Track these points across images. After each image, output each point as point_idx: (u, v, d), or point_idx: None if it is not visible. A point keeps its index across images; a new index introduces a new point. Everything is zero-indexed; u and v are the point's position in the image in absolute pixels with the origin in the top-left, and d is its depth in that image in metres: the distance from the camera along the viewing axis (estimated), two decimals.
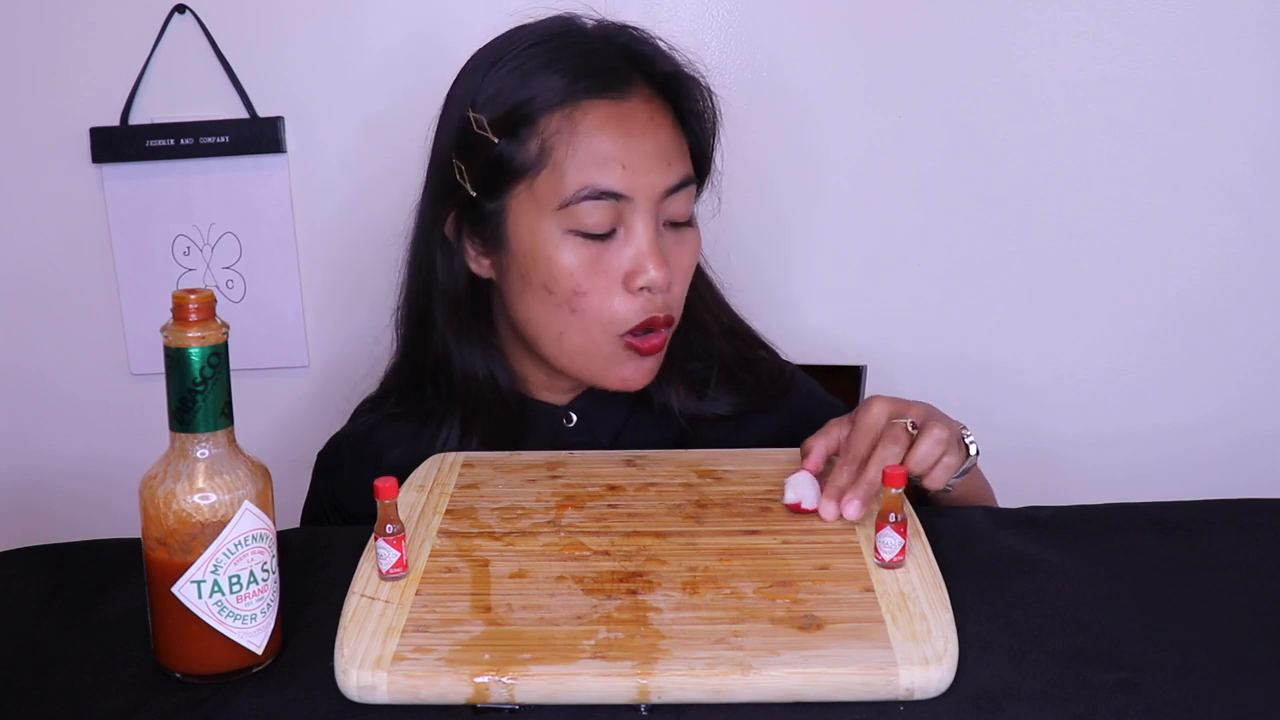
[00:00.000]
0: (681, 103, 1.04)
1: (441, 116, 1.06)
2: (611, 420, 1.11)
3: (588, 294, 0.99)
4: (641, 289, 0.99)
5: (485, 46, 1.05)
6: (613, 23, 1.06)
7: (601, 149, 0.97)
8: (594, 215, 0.98)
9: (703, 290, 1.12)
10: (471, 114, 1.00)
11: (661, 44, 1.05)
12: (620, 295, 0.99)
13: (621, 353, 1.01)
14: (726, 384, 1.12)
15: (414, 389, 1.11)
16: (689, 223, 1.04)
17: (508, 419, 1.07)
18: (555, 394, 1.11)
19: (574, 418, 1.10)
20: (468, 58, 1.08)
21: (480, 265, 1.06)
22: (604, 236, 0.99)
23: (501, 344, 1.09)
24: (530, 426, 1.09)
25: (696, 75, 1.05)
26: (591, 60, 1.00)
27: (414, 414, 1.09)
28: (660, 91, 1.02)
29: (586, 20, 1.05)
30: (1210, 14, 1.41)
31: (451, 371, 1.08)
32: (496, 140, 0.99)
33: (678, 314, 1.04)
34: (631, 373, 1.03)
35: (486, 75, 1.01)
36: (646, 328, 1.01)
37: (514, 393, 1.09)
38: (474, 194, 1.01)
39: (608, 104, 0.99)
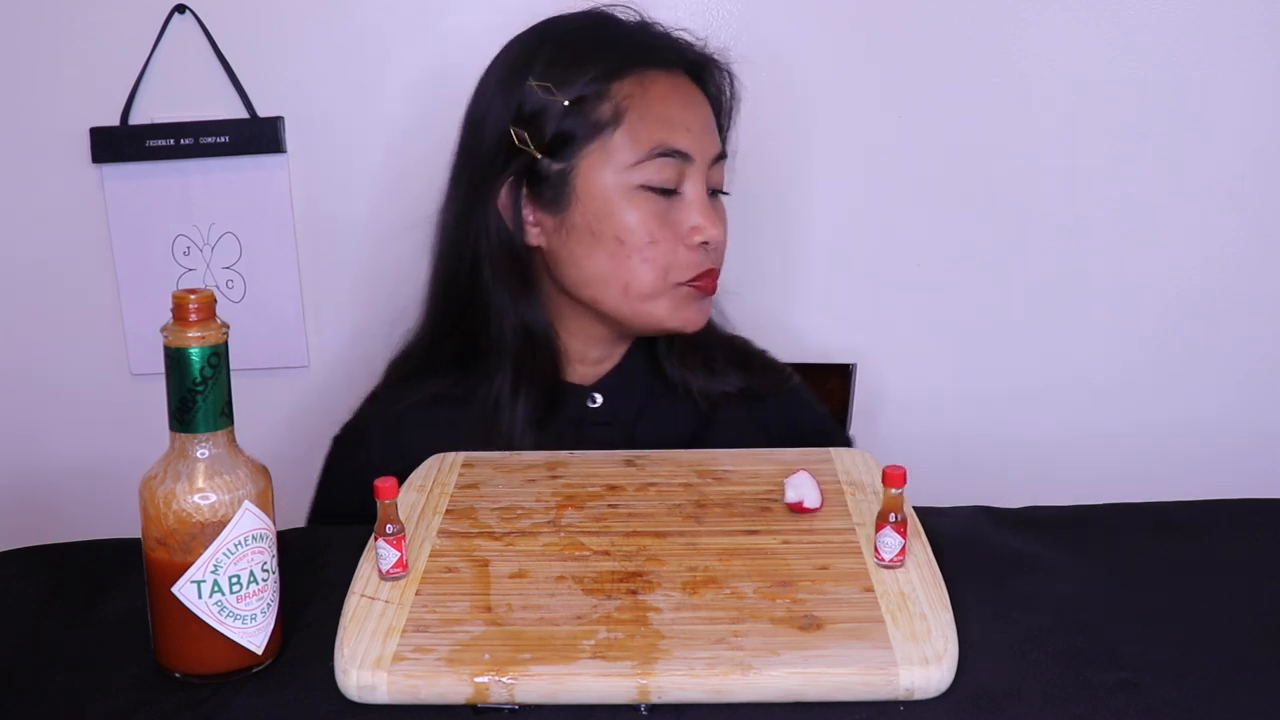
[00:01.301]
0: (708, 87, 1.14)
1: (488, 94, 1.12)
2: (634, 400, 1.16)
3: (659, 244, 1.07)
4: (701, 243, 1.08)
5: (527, 31, 1.13)
6: (638, 14, 1.15)
7: (670, 113, 1.08)
8: (664, 171, 1.07)
9: None
10: (536, 83, 1.07)
11: (688, 35, 1.15)
12: (682, 249, 1.08)
13: (685, 296, 1.10)
14: (734, 365, 1.19)
15: (449, 368, 1.14)
16: (720, 189, 1.14)
17: (552, 383, 1.13)
18: (584, 369, 1.16)
19: (599, 398, 1.15)
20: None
21: (532, 232, 1.11)
22: (669, 193, 1.08)
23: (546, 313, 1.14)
24: (558, 404, 1.13)
25: (722, 61, 1.16)
26: (646, 39, 1.12)
27: (447, 396, 1.13)
28: (691, 74, 1.12)
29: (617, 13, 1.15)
30: (1210, 14, 1.41)
31: (504, 333, 1.11)
32: (567, 104, 1.07)
33: (720, 269, 1.12)
34: (694, 314, 1.11)
35: (540, 50, 1.10)
36: (710, 274, 1.10)
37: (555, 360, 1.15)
38: (539, 156, 1.08)
39: (668, 75, 1.10)
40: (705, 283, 1.10)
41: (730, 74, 1.16)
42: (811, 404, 1.25)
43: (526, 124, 1.08)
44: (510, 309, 1.11)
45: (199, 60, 1.41)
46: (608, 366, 1.17)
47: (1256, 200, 1.46)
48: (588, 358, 1.16)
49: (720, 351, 1.19)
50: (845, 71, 1.44)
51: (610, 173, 1.07)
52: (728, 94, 1.16)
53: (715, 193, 1.12)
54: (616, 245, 1.07)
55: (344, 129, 1.45)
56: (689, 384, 1.17)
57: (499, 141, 1.09)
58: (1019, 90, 1.43)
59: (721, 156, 1.12)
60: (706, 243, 1.08)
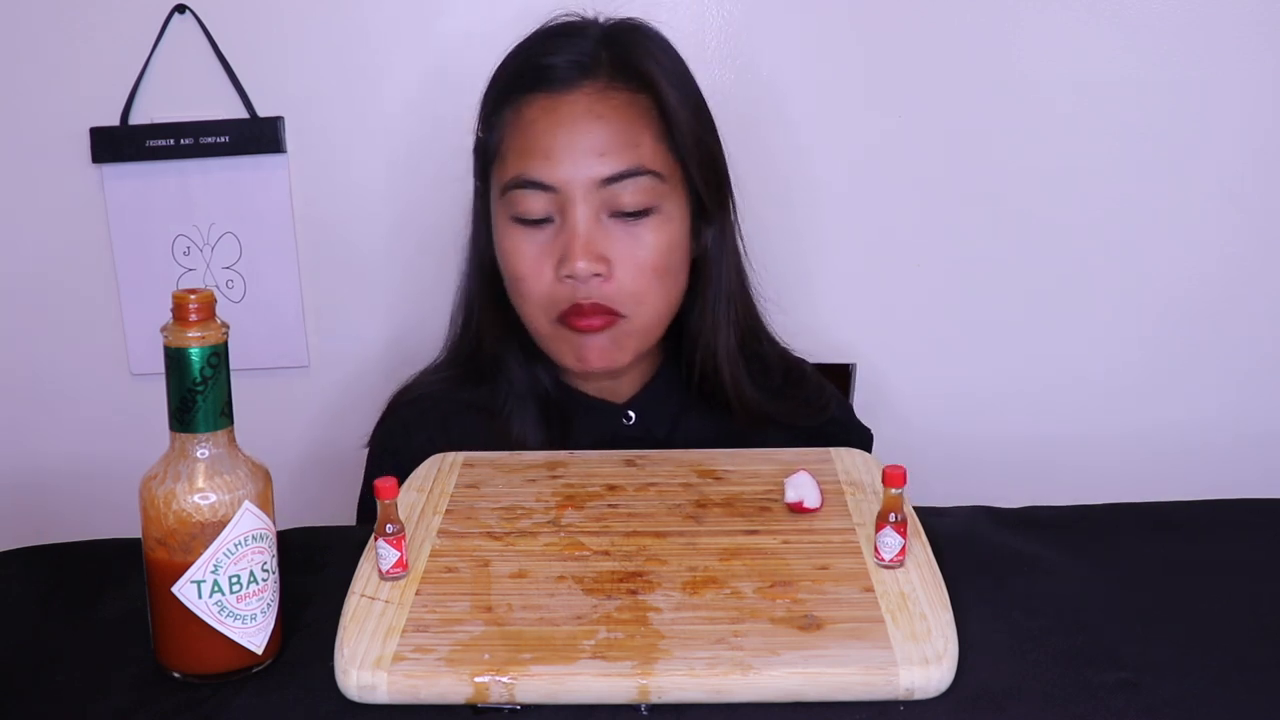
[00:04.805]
0: (624, 92, 1.04)
1: None
2: (667, 416, 1.13)
3: (525, 279, 1.04)
4: (566, 277, 1.02)
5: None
6: (584, 18, 1.09)
7: (533, 140, 1.02)
8: (526, 202, 1.02)
9: (735, 294, 1.12)
10: (479, 111, 1.08)
11: (609, 28, 1.07)
12: (552, 280, 1.03)
13: (564, 333, 1.05)
14: (776, 388, 1.14)
15: (485, 377, 1.12)
16: (645, 213, 1.03)
17: (552, 411, 1.10)
18: (614, 385, 1.13)
19: (633, 416, 1.12)
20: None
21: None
22: (540, 223, 1.03)
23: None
24: (587, 425, 1.11)
25: (640, 58, 1.04)
26: (545, 57, 1.04)
27: (483, 407, 1.11)
28: (621, 80, 1.04)
29: (576, 16, 1.09)
30: (1210, 14, 1.41)
31: (505, 354, 1.10)
32: (476, 137, 1.08)
33: (628, 307, 1.04)
34: (577, 355, 1.05)
35: (494, 73, 1.08)
36: (577, 312, 1.03)
37: (559, 386, 1.12)
38: (477, 183, 1.09)
39: (547, 98, 1.03)
40: (574, 320, 1.03)
41: (661, 58, 1.05)
42: (849, 431, 1.19)
43: (475, 150, 1.10)
44: (499, 331, 1.11)
45: (199, 60, 1.41)
46: (639, 383, 1.13)
47: (1256, 200, 1.46)
48: (605, 375, 1.11)
49: (756, 373, 1.13)
50: (845, 72, 1.44)
51: (496, 206, 1.06)
52: (666, 84, 1.04)
53: (628, 214, 1.02)
54: (510, 282, 1.06)
55: (344, 129, 1.45)
56: (727, 398, 1.11)
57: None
58: (1019, 90, 1.43)
59: (627, 175, 1.01)
60: (572, 276, 1.01)
